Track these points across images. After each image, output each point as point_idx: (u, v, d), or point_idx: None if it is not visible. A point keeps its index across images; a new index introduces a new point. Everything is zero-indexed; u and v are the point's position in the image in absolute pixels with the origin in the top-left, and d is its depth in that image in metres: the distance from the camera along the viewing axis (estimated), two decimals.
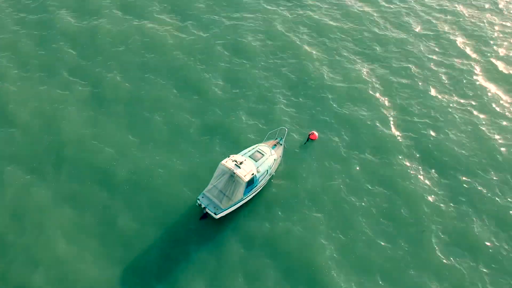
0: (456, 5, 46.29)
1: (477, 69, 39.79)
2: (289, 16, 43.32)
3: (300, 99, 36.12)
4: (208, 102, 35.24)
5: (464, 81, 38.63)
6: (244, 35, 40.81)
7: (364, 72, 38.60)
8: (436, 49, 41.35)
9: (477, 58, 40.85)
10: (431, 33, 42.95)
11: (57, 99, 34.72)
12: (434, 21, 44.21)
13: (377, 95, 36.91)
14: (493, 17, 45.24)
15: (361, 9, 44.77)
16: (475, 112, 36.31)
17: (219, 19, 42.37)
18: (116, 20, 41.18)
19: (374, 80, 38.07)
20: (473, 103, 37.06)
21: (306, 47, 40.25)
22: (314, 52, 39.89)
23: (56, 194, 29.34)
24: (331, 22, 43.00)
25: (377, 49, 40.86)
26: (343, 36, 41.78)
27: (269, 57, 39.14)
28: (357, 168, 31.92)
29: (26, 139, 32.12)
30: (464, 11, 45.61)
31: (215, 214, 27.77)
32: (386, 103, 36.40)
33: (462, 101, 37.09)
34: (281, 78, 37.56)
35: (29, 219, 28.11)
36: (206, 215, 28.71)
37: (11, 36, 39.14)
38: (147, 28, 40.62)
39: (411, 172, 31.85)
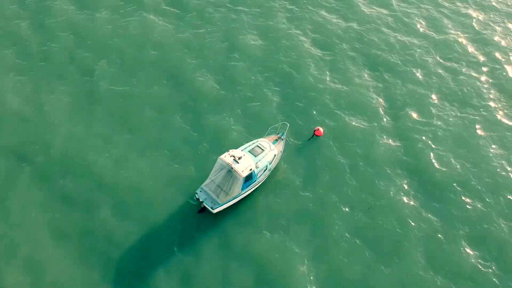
0: (469, 10, 44.11)
1: (487, 80, 38.09)
2: (293, 13, 42.05)
3: (299, 100, 35.32)
4: (203, 99, 34.71)
5: (471, 91, 37.04)
6: (245, 31, 39.80)
7: (366, 76, 37.40)
8: (444, 55, 39.75)
9: (487, 67, 39.00)
10: (441, 38, 41.40)
11: (48, 90, 34.58)
12: (445, 26, 42.45)
13: (379, 101, 35.73)
14: (509, 22, 43.53)
15: (370, 10, 43.19)
16: (479, 126, 34.88)
17: (220, 13, 41.31)
18: (115, 12, 40.46)
19: (375, 84, 36.91)
20: (480, 114, 35.58)
21: (308, 47, 39.11)
22: (316, 52, 38.79)
23: (44, 189, 29.42)
24: (336, 22, 41.69)
25: (382, 52, 39.40)
26: (348, 37, 40.31)
27: (269, 55, 38.15)
28: (350, 175, 31.26)
29: (16, 129, 32.20)
30: (477, 16, 43.77)
31: (212, 208, 27.86)
32: (387, 109, 35.24)
33: (466, 112, 35.60)
34: (280, 77, 36.71)
35: (12, 212, 28.31)
36: (204, 209, 28.83)
37: (7, 23, 38.99)
38: (145, 21, 39.91)
39: (404, 185, 30.97)
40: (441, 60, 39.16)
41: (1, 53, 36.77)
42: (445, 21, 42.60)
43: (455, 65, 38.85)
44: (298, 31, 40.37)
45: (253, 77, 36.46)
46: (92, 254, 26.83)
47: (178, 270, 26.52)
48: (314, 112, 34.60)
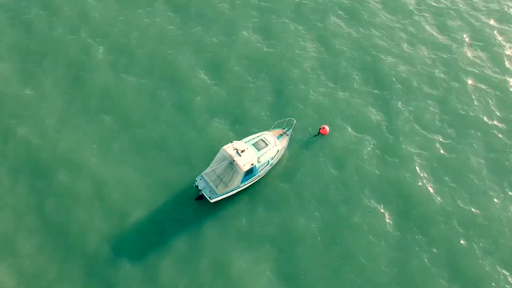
0: (490, 20, 42.61)
1: (499, 97, 37.03)
2: (301, 12, 40.34)
3: (301, 101, 34.69)
4: (201, 93, 34.25)
5: (480, 110, 35.70)
6: (243, 29, 38.47)
7: (372, 85, 36.29)
8: (461, 70, 38.38)
9: (505, 86, 37.91)
10: (459, 50, 40.43)
11: (45, 73, 34.32)
12: (464, 38, 41.15)
13: (381, 112, 34.67)
14: None
15: (385, 17, 41.43)
16: (483, 151, 33.29)
17: (225, 9, 39.88)
18: (110, 5, 39.47)
19: (381, 93, 35.98)
20: (486, 137, 34.30)
21: (315, 48, 37.77)
22: (323, 55, 37.53)
23: (37, 176, 29.67)
24: (346, 26, 40.34)
25: (392, 61, 38.20)
26: (358, 42, 38.78)
27: (272, 54, 36.95)
28: (344, 182, 30.84)
29: (9, 109, 32.32)
30: (491, 24, 42.63)
31: (210, 198, 28.06)
32: (389, 121, 34.11)
33: (472, 133, 34.35)
34: (281, 76, 35.82)
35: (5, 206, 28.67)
36: (201, 197, 29.07)
37: (17, 4, 38.49)
38: (149, 13, 39.03)
39: (393, 200, 30.37)
40: (455, 74, 37.77)
41: (4, 34, 36.37)
42: (466, 33, 41.16)
43: (470, 80, 37.85)
44: (304, 31, 38.92)
45: (254, 75, 35.66)
46: (80, 243, 27.32)
47: (170, 247, 27.16)
48: (315, 114, 34.00)
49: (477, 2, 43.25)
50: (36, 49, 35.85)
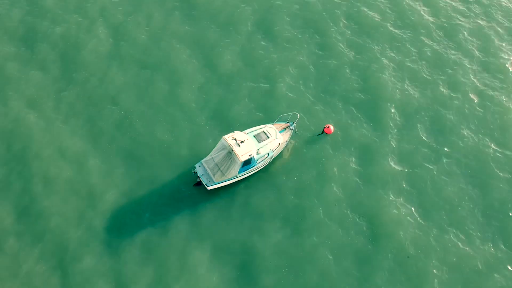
0: (507, 36, 41.98)
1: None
2: (304, 12, 39.77)
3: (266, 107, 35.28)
4: (192, 87, 34.55)
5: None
6: (247, 27, 38.26)
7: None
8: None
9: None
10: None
11: (43, 62, 35.13)
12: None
13: (372, 130, 34.07)
14: None
15: (395, 30, 40.79)
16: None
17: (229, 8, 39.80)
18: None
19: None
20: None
21: (310, 52, 37.26)
22: (316, 58, 37.02)
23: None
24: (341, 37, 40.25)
25: (390, 74, 37.39)
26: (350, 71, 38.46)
27: (276, 56, 36.85)
28: (341, 186, 30.67)
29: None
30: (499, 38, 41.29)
31: (206, 185, 28.53)
32: (379, 140, 33.14)
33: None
34: (273, 79, 35.86)
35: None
36: (200, 183, 29.57)
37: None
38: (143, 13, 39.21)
39: (363, 226, 29.60)
40: (462, 93, 36.34)
41: (14, 12, 37.44)
42: (479, 51, 39.64)
43: (475, 99, 36.46)
44: (309, 34, 38.34)
45: (255, 73, 35.61)
46: (60, 225, 28.21)
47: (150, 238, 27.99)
48: (313, 118, 33.76)
49: (500, 19, 41.64)
50: (44, 29, 36.78)
